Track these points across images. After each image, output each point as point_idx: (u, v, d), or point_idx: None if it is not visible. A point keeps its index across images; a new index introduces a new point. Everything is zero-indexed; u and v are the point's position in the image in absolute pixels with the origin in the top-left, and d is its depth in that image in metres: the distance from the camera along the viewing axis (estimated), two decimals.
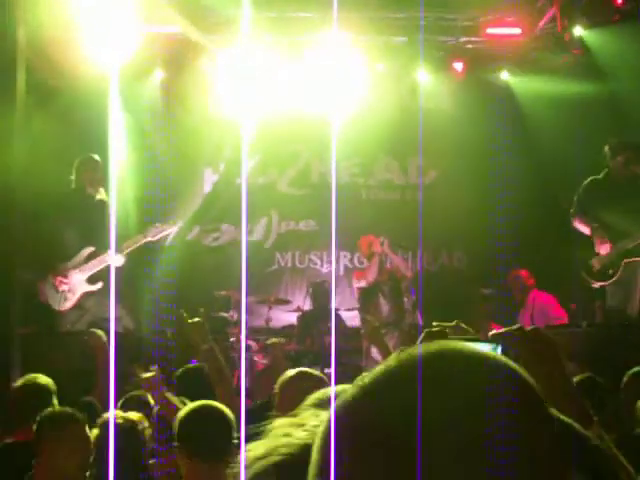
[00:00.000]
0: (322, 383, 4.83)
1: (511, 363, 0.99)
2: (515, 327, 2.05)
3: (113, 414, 4.24)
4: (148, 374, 5.18)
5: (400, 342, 9.99)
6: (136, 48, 9.31)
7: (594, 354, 7.45)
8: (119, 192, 10.91)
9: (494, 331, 2.02)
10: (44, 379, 5.30)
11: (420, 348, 0.98)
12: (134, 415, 4.58)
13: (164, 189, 11.19)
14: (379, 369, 0.99)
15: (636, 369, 5.23)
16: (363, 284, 10.63)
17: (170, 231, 9.62)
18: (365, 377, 0.99)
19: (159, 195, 10.40)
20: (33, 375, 5.39)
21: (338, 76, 11.01)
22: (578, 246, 9.48)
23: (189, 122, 12.50)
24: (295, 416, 1.34)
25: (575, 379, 4.75)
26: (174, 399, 5.02)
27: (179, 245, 12.39)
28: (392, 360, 0.99)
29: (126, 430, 4.32)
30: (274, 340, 10.12)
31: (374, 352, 9.90)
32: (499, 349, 1.90)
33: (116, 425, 4.25)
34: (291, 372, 5.04)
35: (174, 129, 12.26)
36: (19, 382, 5.48)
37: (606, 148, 9.26)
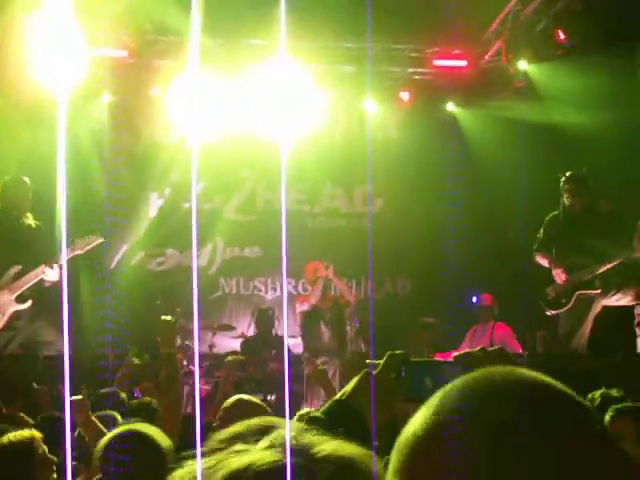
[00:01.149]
0: (262, 410, 4.82)
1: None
2: (477, 349, 2.08)
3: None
4: (76, 397, 5.08)
5: (341, 370, 9.98)
6: (84, 71, 9.28)
7: None
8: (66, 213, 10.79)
9: (456, 353, 2.05)
10: None
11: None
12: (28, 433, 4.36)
13: (111, 212, 11.14)
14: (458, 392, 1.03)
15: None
16: (305, 307, 10.58)
17: (95, 243, 9.48)
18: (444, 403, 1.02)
19: (106, 217, 10.35)
20: None
21: (286, 103, 11.06)
22: (525, 276, 9.62)
23: (137, 146, 12.47)
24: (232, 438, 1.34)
25: None
26: (98, 423, 4.96)
27: (124, 269, 12.31)
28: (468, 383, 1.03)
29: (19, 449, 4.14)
30: (230, 358, 10.06)
31: (306, 371, 9.90)
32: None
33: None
34: (230, 400, 5.03)
35: (122, 152, 12.21)
36: None
37: (560, 183, 9.47)
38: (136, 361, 8.29)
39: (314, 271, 10.81)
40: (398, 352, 2.32)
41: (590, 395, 5.19)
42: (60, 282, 8.96)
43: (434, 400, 1.03)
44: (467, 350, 2.06)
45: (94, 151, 11.75)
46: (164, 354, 5.17)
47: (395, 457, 1.02)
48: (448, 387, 1.04)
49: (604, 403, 5.05)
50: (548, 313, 9.40)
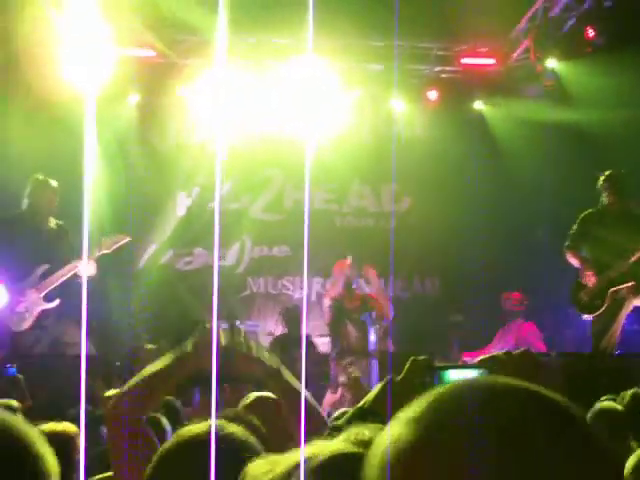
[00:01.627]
0: (279, 408, 4.77)
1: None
2: (502, 352, 2.05)
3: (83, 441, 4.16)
4: (111, 392, 5.07)
5: (368, 371, 9.95)
6: (112, 71, 9.31)
7: (564, 383, 7.47)
8: (92, 213, 10.84)
9: (482, 356, 2.03)
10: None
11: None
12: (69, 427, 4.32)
13: (138, 212, 11.19)
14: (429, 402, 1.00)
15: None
16: (327, 302, 10.47)
17: (123, 242, 9.45)
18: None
19: (133, 217, 10.39)
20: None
21: (313, 102, 11.05)
22: (554, 276, 9.56)
23: (164, 145, 12.53)
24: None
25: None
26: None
27: (152, 268, 12.35)
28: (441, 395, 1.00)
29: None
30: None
31: (341, 379, 9.88)
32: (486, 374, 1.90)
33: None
34: (249, 397, 4.97)
35: (149, 152, 12.26)
36: None
37: (599, 181, 9.37)
38: (149, 347, 8.26)
39: (341, 269, 10.61)
40: (421, 357, 2.28)
41: (621, 394, 5.14)
42: (94, 278, 8.96)
43: (418, 411, 1.00)
44: (492, 353, 2.03)
45: (122, 151, 11.80)
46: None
47: (377, 472, 0.98)
48: (431, 399, 1.01)
49: (635, 403, 5.00)
50: (585, 317, 9.33)
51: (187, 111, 12.16)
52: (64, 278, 8.96)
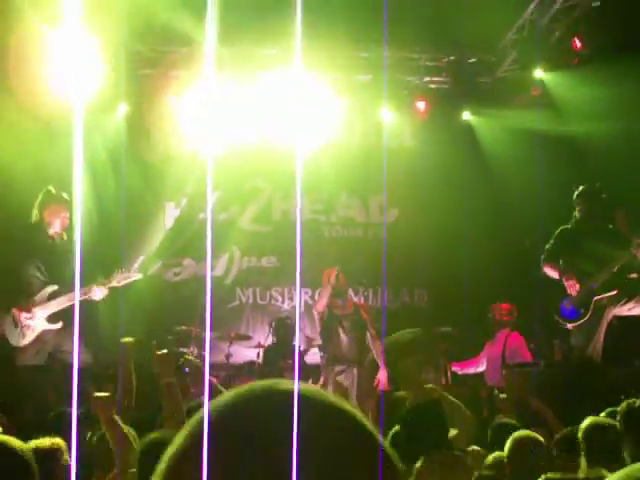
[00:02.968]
0: None
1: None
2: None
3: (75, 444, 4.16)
4: (101, 393, 5.10)
5: (359, 379, 9.92)
6: (101, 82, 9.32)
7: (552, 393, 7.49)
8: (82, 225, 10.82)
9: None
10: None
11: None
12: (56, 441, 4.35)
13: (127, 222, 11.17)
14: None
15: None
16: (315, 315, 10.45)
17: (134, 278, 9.46)
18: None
19: (122, 228, 10.38)
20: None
21: (301, 112, 11.06)
22: (541, 286, 9.58)
23: (152, 156, 12.52)
24: None
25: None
26: (121, 424, 4.95)
27: (141, 279, 12.32)
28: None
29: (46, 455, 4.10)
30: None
31: (329, 387, 9.86)
32: None
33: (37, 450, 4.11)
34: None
35: (137, 163, 12.25)
36: None
37: (574, 196, 9.44)
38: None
39: (328, 277, 10.51)
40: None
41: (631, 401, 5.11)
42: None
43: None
44: None
45: (110, 161, 11.79)
46: (163, 384, 5.22)
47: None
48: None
49: (628, 417, 4.99)
50: (569, 327, 9.37)
51: (176, 122, 12.15)
52: (71, 303, 8.93)
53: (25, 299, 8.92)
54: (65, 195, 9.14)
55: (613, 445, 4.60)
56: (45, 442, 4.22)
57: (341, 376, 9.84)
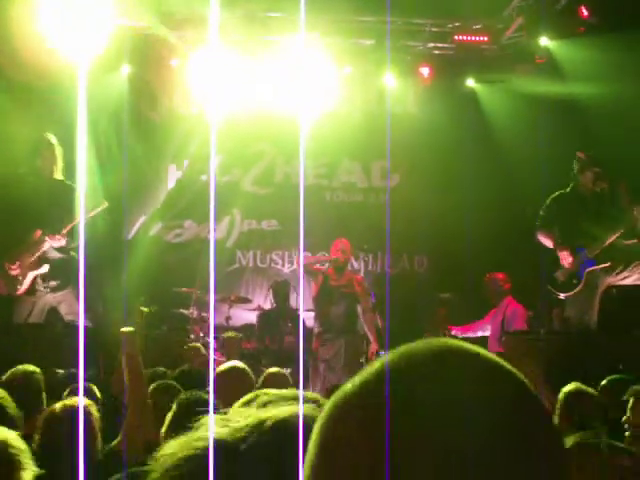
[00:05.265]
0: (250, 380, 4.91)
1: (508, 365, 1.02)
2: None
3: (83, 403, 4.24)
4: (127, 328, 4.97)
5: (346, 347, 9.96)
6: (105, 42, 9.28)
7: (553, 361, 7.54)
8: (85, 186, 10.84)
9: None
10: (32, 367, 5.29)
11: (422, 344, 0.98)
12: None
13: (129, 183, 11.19)
14: (378, 364, 0.98)
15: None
16: (313, 292, 10.48)
17: (100, 209, 9.44)
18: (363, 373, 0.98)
19: (124, 188, 10.40)
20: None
21: (306, 77, 11.04)
22: (541, 254, 9.59)
23: (155, 117, 12.51)
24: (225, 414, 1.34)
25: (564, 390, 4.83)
26: (141, 363, 4.92)
27: (142, 240, 12.34)
28: (393, 355, 0.97)
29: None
30: (230, 334, 10.07)
31: (321, 354, 9.94)
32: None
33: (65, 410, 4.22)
34: (223, 366, 5.07)
35: (140, 124, 12.24)
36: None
37: (575, 162, 9.35)
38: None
39: (342, 250, 10.37)
40: None
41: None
42: (66, 247, 9.09)
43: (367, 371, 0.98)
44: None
45: (113, 122, 11.78)
46: (123, 334, 4.93)
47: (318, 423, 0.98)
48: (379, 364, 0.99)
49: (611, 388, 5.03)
50: (561, 297, 9.38)
51: (179, 83, 12.11)
52: (41, 252, 9.01)
53: (12, 250, 8.99)
54: (51, 138, 9.20)
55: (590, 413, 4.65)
56: (74, 401, 4.39)
57: (328, 344, 9.95)
